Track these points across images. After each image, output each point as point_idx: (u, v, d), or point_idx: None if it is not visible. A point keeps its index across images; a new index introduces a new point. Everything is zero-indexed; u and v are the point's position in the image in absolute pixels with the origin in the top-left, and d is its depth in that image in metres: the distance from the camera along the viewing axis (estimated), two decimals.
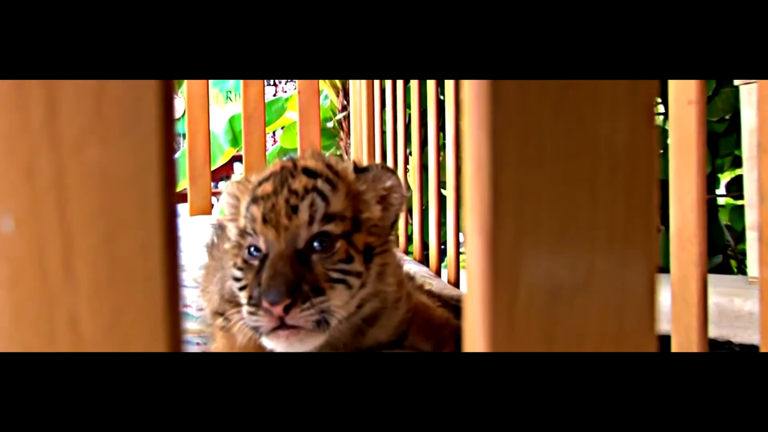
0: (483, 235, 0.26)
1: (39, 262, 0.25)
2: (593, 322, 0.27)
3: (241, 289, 0.69)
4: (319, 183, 0.68)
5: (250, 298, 0.65)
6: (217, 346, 0.80)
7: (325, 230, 0.67)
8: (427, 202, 1.67)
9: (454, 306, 0.94)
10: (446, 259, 1.54)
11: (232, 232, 0.75)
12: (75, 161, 0.25)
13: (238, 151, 3.41)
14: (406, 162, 1.97)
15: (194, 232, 1.34)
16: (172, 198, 0.25)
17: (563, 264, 0.26)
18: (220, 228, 0.96)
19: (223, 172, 4.79)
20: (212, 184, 2.12)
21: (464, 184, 0.27)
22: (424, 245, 1.75)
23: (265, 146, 2.10)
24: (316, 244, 0.66)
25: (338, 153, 2.92)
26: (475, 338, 0.26)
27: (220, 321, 0.79)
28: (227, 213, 0.78)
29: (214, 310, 0.84)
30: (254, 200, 0.69)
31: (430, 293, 0.99)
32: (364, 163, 0.78)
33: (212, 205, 2.11)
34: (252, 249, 0.69)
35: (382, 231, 0.74)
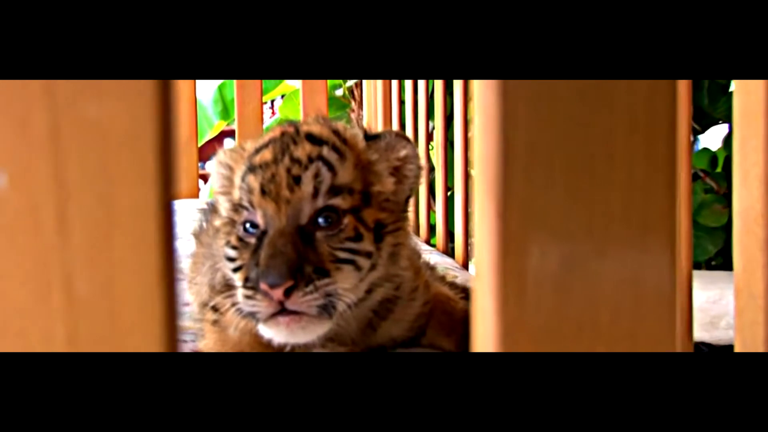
0: (493, 196, 0.30)
1: (34, 219, 0.30)
2: (608, 290, 0.31)
3: (236, 270, 0.72)
4: (325, 151, 0.71)
5: (246, 280, 0.68)
6: (208, 342, 0.84)
7: (331, 204, 0.69)
8: (453, 184, 1.69)
9: None
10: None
11: (223, 206, 0.78)
12: (70, 116, 0.29)
13: (229, 124, 3.45)
14: (429, 138, 1.99)
15: (179, 219, 1.38)
16: (169, 155, 0.30)
17: (577, 227, 0.31)
18: (209, 212, 1.00)
19: (211, 150, 4.79)
20: (199, 163, 2.17)
21: (474, 143, 0.31)
22: (449, 235, 1.77)
23: (262, 118, 2.13)
24: (320, 219, 0.69)
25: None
26: (485, 300, 0.31)
27: (210, 314, 0.82)
28: (218, 185, 0.80)
29: (203, 302, 0.88)
30: (251, 169, 0.72)
31: (453, 285, 1.03)
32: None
33: (199, 189, 2.16)
34: (248, 225, 0.71)
35: (396, 207, 0.77)
